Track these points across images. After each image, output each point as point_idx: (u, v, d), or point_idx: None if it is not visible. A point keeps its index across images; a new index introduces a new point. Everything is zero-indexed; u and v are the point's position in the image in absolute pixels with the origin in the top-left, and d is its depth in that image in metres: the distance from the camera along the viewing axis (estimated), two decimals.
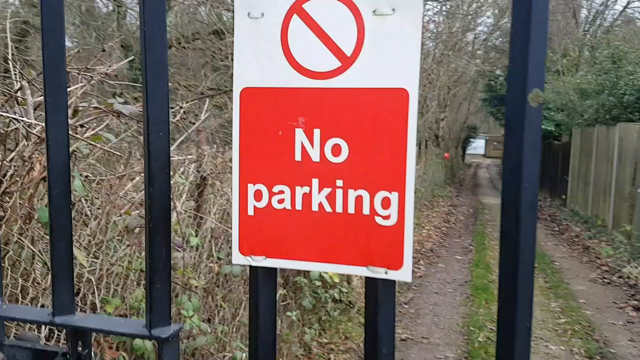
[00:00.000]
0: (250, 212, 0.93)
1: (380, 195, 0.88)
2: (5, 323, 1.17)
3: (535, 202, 0.83)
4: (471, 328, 6.10)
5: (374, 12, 0.85)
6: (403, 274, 0.89)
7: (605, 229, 11.29)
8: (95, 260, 2.31)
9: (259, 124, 0.91)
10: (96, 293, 2.24)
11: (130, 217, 2.51)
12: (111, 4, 12.52)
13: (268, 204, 0.92)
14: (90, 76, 2.12)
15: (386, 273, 0.89)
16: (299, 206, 0.91)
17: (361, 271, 0.91)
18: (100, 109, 2.32)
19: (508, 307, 0.85)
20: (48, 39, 0.91)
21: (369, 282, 0.92)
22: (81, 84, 2.11)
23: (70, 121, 2.33)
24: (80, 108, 2.31)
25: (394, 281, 0.91)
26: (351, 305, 6.27)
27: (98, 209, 2.43)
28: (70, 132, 2.22)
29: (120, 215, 2.61)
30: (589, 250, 10.18)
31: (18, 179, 1.83)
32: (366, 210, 0.89)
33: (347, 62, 0.87)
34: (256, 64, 0.90)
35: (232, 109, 0.93)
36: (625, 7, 22.36)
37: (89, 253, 2.27)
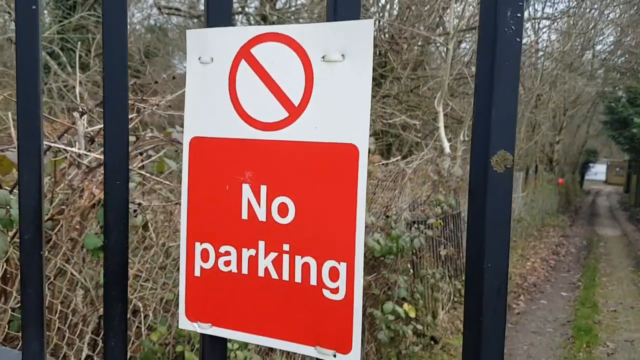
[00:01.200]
0: (197, 273, 0.86)
1: (328, 264, 0.76)
2: None
3: (503, 286, 0.67)
4: None
5: (323, 57, 0.75)
6: (351, 359, 0.76)
7: None
8: (146, 285, 2.35)
9: (207, 176, 0.84)
10: (143, 321, 2.27)
11: (176, 244, 2.53)
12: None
13: (214, 265, 0.84)
14: (144, 107, 2.18)
15: (335, 356, 0.77)
16: (245, 270, 0.82)
17: (309, 351, 0.79)
18: (158, 137, 2.38)
19: None
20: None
21: None
22: (135, 114, 2.17)
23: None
24: (139, 136, 2.38)
25: None
26: (435, 341, 5.97)
27: (151, 236, 2.47)
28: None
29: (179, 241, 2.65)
30: None
31: (65, 207, 1.90)
32: (313, 280, 0.78)
33: (295, 112, 0.77)
34: (205, 111, 0.83)
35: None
36: None
37: (139, 279, 2.32)
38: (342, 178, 0.74)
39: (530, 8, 13.85)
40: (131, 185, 2.45)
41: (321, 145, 0.76)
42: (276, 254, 0.80)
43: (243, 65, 0.80)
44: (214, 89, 0.82)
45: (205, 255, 0.85)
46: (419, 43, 11.56)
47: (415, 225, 5.66)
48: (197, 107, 0.84)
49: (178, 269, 2.67)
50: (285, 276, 0.79)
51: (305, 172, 0.77)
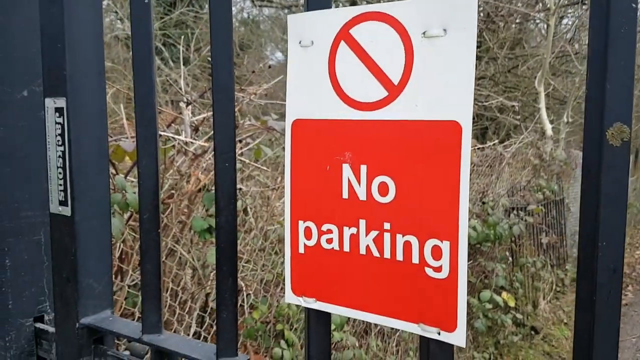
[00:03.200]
0: (301, 249, 0.89)
1: (430, 243, 0.76)
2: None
3: (619, 267, 0.64)
4: None
5: (423, 34, 0.74)
6: (457, 337, 0.76)
7: None
8: (247, 266, 2.46)
9: (308, 157, 0.86)
10: (245, 299, 2.37)
11: (282, 227, 2.62)
12: None
13: (317, 243, 0.87)
14: (242, 96, 2.27)
15: (439, 334, 0.77)
16: (346, 248, 0.84)
17: (412, 328, 0.80)
18: (255, 125, 2.46)
19: None
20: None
21: (422, 341, 0.81)
22: (237, 104, 2.26)
23: None
24: (238, 125, 2.48)
25: (451, 345, 0.78)
26: (535, 331, 5.73)
27: (254, 219, 2.58)
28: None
29: (276, 225, 2.74)
30: None
31: (174, 191, 2.03)
32: (415, 259, 0.78)
33: (394, 91, 0.77)
34: (306, 94, 0.85)
35: None
36: None
37: (241, 260, 2.43)
38: (445, 156, 0.74)
39: None
40: None
41: (422, 124, 0.75)
42: (377, 232, 0.81)
43: (342, 46, 0.81)
44: (314, 72, 0.84)
45: (308, 233, 0.87)
46: (517, 20, 11.01)
47: (515, 212, 5.44)
48: (298, 90, 0.86)
49: (276, 251, 2.77)
50: (387, 254, 0.80)
51: (405, 151, 0.77)
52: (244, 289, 2.45)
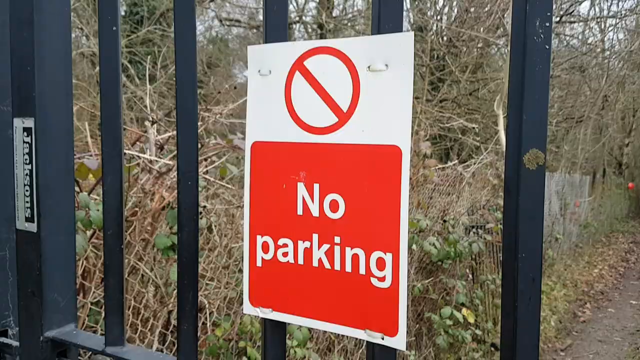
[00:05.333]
0: (259, 263, 0.95)
1: (375, 255, 0.84)
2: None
3: (537, 276, 0.73)
4: None
5: (368, 67, 0.83)
6: (398, 342, 0.83)
7: None
8: (210, 283, 2.49)
9: (266, 176, 0.93)
10: (208, 317, 2.40)
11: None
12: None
13: (274, 256, 0.93)
14: (208, 116, 2.33)
15: (383, 339, 0.85)
16: (301, 261, 0.91)
17: (359, 334, 0.87)
18: (221, 144, 2.52)
19: None
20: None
21: (369, 346, 0.88)
22: (200, 123, 2.32)
23: None
24: (203, 143, 2.53)
25: (394, 350, 0.85)
26: (496, 348, 5.86)
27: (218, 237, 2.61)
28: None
29: (241, 242, 2.78)
30: None
31: (137, 209, 2.06)
32: (362, 269, 0.85)
33: (343, 117, 0.85)
34: (264, 118, 0.93)
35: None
36: None
37: (204, 277, 2.46)
38: (387, 176, 0.82)
39: (596, 7, 13.36)
40: None
41: (368, 147, 0.83)
42: (328, 245, 0.88)
43: (297, 76, 0.89)
44: (271, 98, 0.92)
45: (265, 247, 0.94)
46: (479, 45, 11.38)
47: (474, 230, 5.60)
48: (257, 115, 0.94)
49: (240, 269, 2.81)
50: (337, 266, 0.87)
51: (353, 171, 0.85)
52: (207, 306, 2.48)
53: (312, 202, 0.89)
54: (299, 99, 0.89)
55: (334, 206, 0.87)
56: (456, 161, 6.62)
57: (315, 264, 0.89)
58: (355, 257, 0.86)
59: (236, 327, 2.52)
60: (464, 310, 4.65)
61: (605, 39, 12.93)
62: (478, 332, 5.24)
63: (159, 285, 2.20)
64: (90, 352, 1.23)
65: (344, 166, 0.86)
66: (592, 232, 13.67)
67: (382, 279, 0.84)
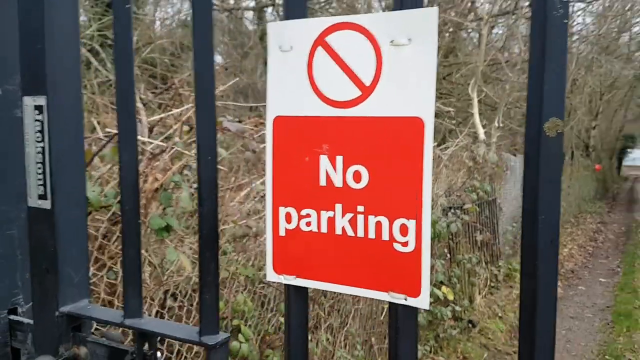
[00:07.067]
0: (282, 232, 0.99)
1: (398, 222, 0.88)
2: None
3: (555, 237, 0.78)
4: (607, 357, 5.55)
5: (391, 42, 0.86)
6: (421, 302, 0.88)
7: None
8: None
9: (288, 150, 0.97)
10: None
11: (237, 226, 2.69)
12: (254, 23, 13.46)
13: (297, 226, 0.97)
14: None
15: (405, 300, 0.89)
16: (324, 229, 0.95)
17: (382, 296, 0.92)
18: None
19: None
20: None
21: (391, 308, 0.93)
22: (193, 104, 2.32)
23: (184, 137, 2.58)
24: (193, 125, 2.53)
25: (415, 308, 0.90)
26: (473, 325, 6.04)
27: None
28: (184, 149, 2.44)
29: (231, 224, 2.81)
30: None
31: None
32: (385, 236, 0.90)
33: (366, 91, 0.89)
34: (286, 93, 0.96)
35: None
36: None
37: (195, 258, 2.48)
38: (410, 146, 0.86)
39: None
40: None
41: (391, 119, 0.87)
42: (352, 214, 0.92)
43: (319, 51, 0.92)
44: (293, 73, 0.95)
45: (288, 218, 0.98)
46: (450, 29, 11.50)
47: (452, 211, 5.73)
48: (278, 90, 0.97)
49: (230, 250, 2.83)
50: (361, 233, 0.92)
51: (377, 143, 0.89)
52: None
53: (335, 173, 0.93)
54: (321, 73, 0.92)
55: (357, 177, 0.91)
56: (435, 144, 6.72)
57: (338, 232, 0.94)
58: (378, 225, 0.90)
59: (229, 307, 2.55)
60: (443, 287, 4.78)
61: (574, 23, 13.18)
62: (457, 308, 5.39)
63: (155, 265, 2.22)
64: (106, 327, 1.26)
65: (367, 138, 0.89)
66: (561, 213, 14.06)
67: (405, 244, 0.88)
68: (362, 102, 0.89)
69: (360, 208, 0.91)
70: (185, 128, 2.64)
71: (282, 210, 0.98)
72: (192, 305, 2.48)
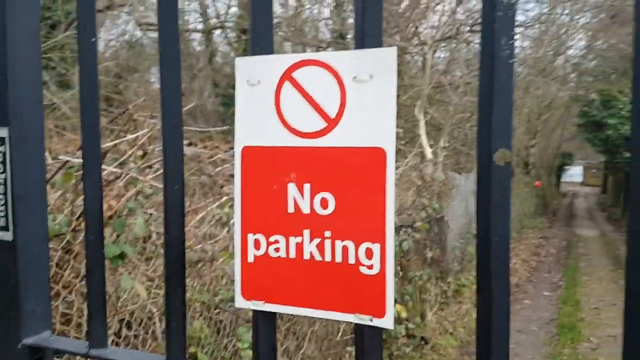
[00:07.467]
0: (251, 259, 1.02)
1: (364, 246, 0.94)
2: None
3: (506, 256, 0.85)
4: None
5: (354, 78, 0.93)
6: (386, 322, 0.93)
7: None
8: (158, 292, 2.49)
9: (256, 179, 1.01)
10: (157, 324, 2.40)
11: (192, 251, 2.68)
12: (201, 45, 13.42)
13: (266, 252, 1.01)
14: (154, 123, 2.34)
15: (371, 320, 0.94)
16: (292, 255, 0.99)
17: (349, 318, 0.96)
18: None
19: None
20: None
21: (357, 329, 0.97)
22: (148, 130, 2.32)
23: (139, 163, 2.56)
24: (148, 150, 2.52)
25: (381, 328, 0.95)
26: (425, 342, 6.15)
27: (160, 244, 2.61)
28: (138, 175, 2.43)
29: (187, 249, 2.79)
30: None
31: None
32: (352, 259, 0.95)
33: (331, 123, 0.95)
34: (254, 125, 1.00)
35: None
36: None
37: (152, 286, 2.46)
38: (373, 174, 0.92)
39: None
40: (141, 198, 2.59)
41: (355, 150, 0.93)
42: (319, 239, 0.97)
43: (287, 85, 0.97)
44: (261, 106, 0.99)
45: (257, 244, 1.01)
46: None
47: (403, 229, 5.86)
48: (246, 121, 1.01)
49: (196, 275, 2.82)
50: (328, 257, 0.96)
51: (342, 171, 0.94)
52: (155, 314, 2.48)
53: (303, 200, 0.97)
54: (289, 106, 0.97)
55: (324, 203, 0.96)
56: None
57: (306, 257, 0.98)
58: (345, 249, 0.95)
59: (186, 333, 2.53)
60: (397, 305, 4.86)
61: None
62: (410, 325, 5.48)
63: (109, 294, 2.18)
64: (62, 357, 1.24)
65: (334, 167, 0.95)
66: None
67: (371, 267, 0.93)
68: (328, 133, 0.95)
69: (328, 233, 0.96)
70: (139, 153, 2.63)
71: (251, 237, 1.02)
72: (147, 333, 2.44)
